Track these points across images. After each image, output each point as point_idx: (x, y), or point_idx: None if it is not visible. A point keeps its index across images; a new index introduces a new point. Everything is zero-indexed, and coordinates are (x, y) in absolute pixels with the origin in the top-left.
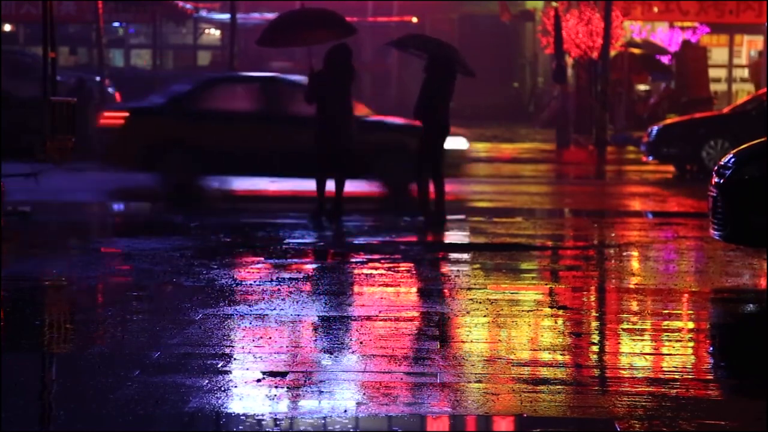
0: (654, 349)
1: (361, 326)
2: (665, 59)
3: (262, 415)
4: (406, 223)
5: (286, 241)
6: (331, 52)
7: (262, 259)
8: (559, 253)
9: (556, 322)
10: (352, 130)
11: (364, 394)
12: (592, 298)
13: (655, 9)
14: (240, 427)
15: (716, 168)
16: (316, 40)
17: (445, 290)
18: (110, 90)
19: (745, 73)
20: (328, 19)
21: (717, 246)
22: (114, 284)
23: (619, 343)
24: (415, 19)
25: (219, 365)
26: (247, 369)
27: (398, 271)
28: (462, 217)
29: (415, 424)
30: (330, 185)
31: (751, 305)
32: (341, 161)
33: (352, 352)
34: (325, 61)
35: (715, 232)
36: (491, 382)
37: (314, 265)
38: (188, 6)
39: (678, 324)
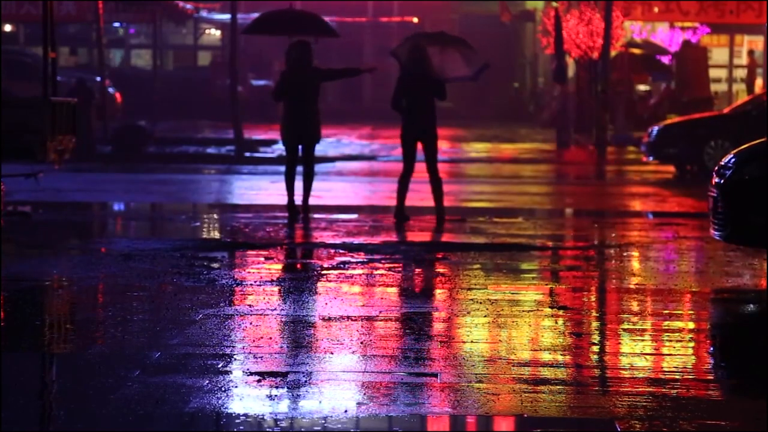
0: (654, 349)
1: (361, 326)
2: (665, 59)
3: (263, 415)
4: (406, 224)
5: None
6: (289, 49)
7: (262, 258)
8: (560, 254)
9: (556, 323)
10: (319, 125)
11: (364, 394)
12: (593, 299)
13: (656, 9)
14: (240, 427)
15: (716, 168)
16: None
17: (446, 290)
18: (110, 90)
19: (745, 73)
20: (312, 22)
21: (717, 246)
22: (114, 284)
23: (620, 343)
24: (415, 19)
25: (219, 365)
26: (248, 369)
27: (398, 271)
28: (462, 217)
29: (415, 425)
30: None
31: (751, 305)
32: (311, 156)
33: (352, 352)
34: (285, 59)
35: (716, 233)
36: (491, 382)
37: (313, 265)
38: (188, 6)
39: (678, 324)
